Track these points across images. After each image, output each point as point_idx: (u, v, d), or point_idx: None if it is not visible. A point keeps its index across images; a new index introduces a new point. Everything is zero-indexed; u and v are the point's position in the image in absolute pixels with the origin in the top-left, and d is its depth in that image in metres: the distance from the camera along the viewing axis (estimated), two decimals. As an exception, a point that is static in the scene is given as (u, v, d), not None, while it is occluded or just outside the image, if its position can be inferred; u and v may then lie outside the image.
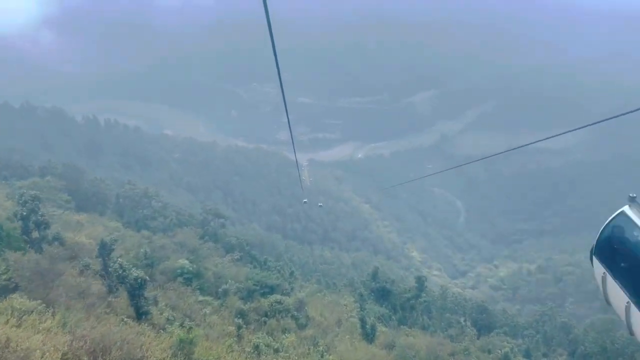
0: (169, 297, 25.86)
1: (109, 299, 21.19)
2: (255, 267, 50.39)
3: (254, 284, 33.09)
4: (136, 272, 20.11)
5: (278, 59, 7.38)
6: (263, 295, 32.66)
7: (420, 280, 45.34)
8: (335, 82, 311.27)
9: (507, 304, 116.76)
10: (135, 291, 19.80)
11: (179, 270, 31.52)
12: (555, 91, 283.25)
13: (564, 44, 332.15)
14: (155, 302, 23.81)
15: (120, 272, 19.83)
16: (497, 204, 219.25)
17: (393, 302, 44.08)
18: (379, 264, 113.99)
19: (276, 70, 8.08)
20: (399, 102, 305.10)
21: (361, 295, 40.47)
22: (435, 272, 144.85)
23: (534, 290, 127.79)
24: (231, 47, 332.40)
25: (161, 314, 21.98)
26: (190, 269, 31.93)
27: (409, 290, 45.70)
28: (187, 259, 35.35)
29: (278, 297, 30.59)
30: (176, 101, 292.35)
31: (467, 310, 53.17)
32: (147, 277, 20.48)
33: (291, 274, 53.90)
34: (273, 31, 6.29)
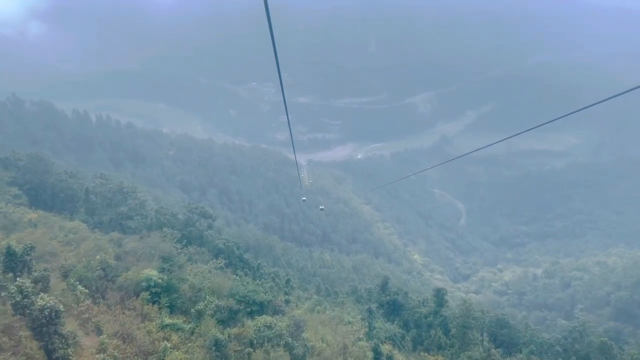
0: (122, 323, 19.16)
1: (21, 334, 14.58)
2: (246, 274, 43.91)
3: (238, 301, 26.42)
4: (42, 301, 13.61)
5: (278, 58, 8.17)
6: (250, 314, 26.14)
7: (440, 295, 38.61)
8: (335, 82, 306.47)
9: (513, 310, 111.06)
10: (44, 328, 13.47)
11: (144, 283, 24.88)
12: (555, 91, 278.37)
13: (565, 44, 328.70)
14: (98, 331, 17.31)
15: (18, 300, 13.30)
16: (498, 206, 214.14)
17: (405, 317, 37.69)
18: (380, 267, 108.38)
19: (276, 69, 8.93)
20: (399, 102, 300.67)
21: (369, 310, 34.13)
22: (438, 276, 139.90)
23: (540, 295, 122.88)
24: (230, 46, 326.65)
25: (100, 352, 15.45)
26: (159, 280, 25.16)
27: (424, 304, 39.21)
28: (159, 267, 28.70)
29: (268, 318, 24.02)
30: (174, 100, 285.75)
31: (486, 324, 46.79)
32: (61, 307, 13.79)
33: (287, 282, 47.57)
34: (273, 31, 7.17)
